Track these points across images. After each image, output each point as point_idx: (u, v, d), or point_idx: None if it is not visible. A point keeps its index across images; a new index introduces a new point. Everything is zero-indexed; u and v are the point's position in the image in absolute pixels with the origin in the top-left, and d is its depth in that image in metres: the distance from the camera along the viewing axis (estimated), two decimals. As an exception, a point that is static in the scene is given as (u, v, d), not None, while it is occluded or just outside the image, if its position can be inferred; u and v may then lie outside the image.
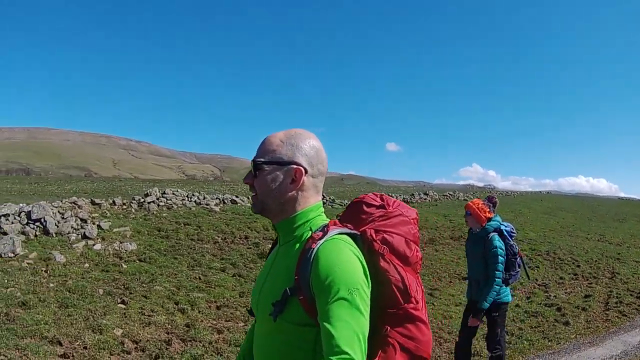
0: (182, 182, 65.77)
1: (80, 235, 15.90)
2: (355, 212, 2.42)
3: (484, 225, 7.20)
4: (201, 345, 9.47)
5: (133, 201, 21.37)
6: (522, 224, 31.30)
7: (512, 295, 7.81)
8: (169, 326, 10.29)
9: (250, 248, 17.84)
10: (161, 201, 22.01)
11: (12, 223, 15.54)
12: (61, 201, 18.65)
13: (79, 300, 11.05)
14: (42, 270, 12.85)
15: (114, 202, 20.62)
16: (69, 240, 15.33)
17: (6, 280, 11.69)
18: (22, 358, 8.09)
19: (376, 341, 2.11)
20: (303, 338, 2.02)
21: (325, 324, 1.86)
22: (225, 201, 25.40)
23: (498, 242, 6.99)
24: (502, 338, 7.36)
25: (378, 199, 2.45)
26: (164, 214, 20.46)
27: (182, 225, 19.12)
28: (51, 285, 11.95)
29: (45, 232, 15.66)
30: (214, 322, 10.93)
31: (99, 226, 16.82)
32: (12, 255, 13.65)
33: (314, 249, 2.01)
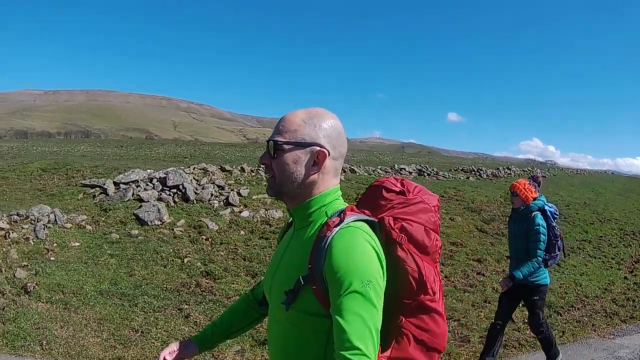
0: (244, 146, 65.56)
1: (222, 202, 15.32)
2: (374, 197, 2.30)
3: (528, 204, 7.04)
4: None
5: (260, 168, 20.75)
6: (605, 204, 30.49)
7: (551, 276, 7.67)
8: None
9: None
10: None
11: (145, 190, 15.07)
12: (188, 167, 18.26)
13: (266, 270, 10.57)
14: (201, 239, 12.27)
15: (242, 168, 20.17)
16: (213, 207, 14.74)
17: (172, 250, 11.16)
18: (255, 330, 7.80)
19: (390, 331, 2.06)
20: (315, 329, 1.94)
21: (337, 317, 1.78)
22: (345, 170, 24.99)
23: (540, 220, 6.85)
24: (544, 320, 7.19)
25: (398, 184, 2.32)
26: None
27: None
28: (222, 253, 11.44)
29: (185, 198, 15.08)
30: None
31: (238, 193, 16.18)
32: (159, 222, 13.12)
33: (328, 236, 1.91)
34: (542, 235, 6.77)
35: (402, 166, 29.77)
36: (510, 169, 43.20)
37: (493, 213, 20.34)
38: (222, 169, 19.13)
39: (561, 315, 10.22)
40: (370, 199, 2.30)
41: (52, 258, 10.24)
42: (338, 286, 1.81)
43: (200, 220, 13.37)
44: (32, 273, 9.17)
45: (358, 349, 1.71)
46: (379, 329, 1.82)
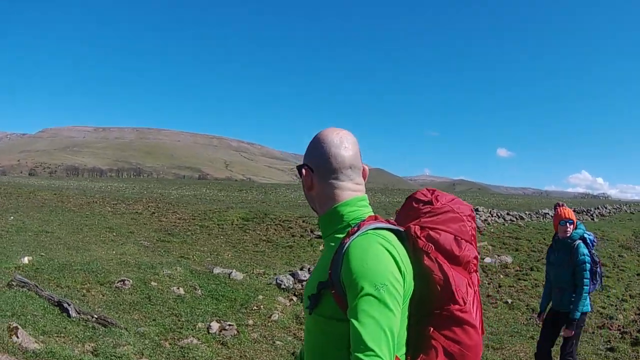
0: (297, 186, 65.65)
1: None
2: (406, 209, 2.39)
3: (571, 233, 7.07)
4: None
5: None
6: None
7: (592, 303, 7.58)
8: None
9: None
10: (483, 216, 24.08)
11: None
12: None
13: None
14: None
15: None
16: None
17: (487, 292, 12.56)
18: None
19: (419, 342, 2.09)
20: (337, 333, 1.97)
21: (352, 320, 1.83)
22: (533, 216, 27.41)
23: (584, 249, 6.89)
24: (575, 348, 7.16)
25: (428, 195, 2.39)
26: (491, 229, 22.08)
27: (522, 239, 20.57)
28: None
29: None
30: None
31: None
32: None
33: (346, 243, 1.98)
34: (587, 265, 6.81)
35: (544, 211, 31.62)
36: (615, 207, 45.98)
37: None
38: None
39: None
40: (403, 211, 2.40)
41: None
42: (353, 290, 1.87)
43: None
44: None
45: (372, 350, 1.75)
46: (396, 331, 1.86)
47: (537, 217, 29.30)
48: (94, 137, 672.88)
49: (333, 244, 2.09)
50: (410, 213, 2.31)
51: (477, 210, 24.65)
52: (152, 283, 11.19)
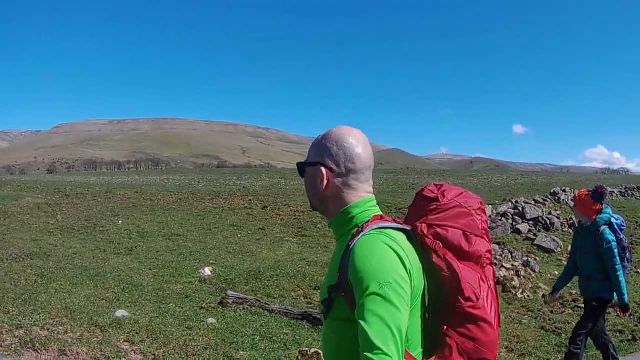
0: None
1: (570, 229, 19.23)
2: (415, 206, 2.37)
3: (594, 218, 6.71)
4: None
5: (550, 196, 24.56)
6: None
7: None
8: None
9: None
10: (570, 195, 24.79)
11: (516, 222, 18.88)
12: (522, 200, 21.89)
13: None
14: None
15: (541, 198, 23.71)
16: (571, 234, 18.20)
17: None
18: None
19: (434, 340, 2.11)
20: (352, 335, 1.91)
21: (359, 320, 1.83)
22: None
23: (610, 235, 6.55)
24: (586, 336, 6.95)
25: (435, 191, 2.35)
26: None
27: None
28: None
29: (546, 228, 18.97)
30: None
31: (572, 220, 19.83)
32: (559, 250, 16.95)
33: (351, 245, 1.98)
34: (615, 251, 6.49)
35: (611, 190, 31.95)
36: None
37: None
38: (536, 201, 22.62)
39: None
40: (413, 209, 2.38)
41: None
42: (359, 289, 1.87)
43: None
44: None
45: (380, 349, 1.74)
46: (403, 329, 1.84)
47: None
48: (110, 129, 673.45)
49: (342, 246, 2.10)
50: (418, 211, 2.30)
51: (564, 190, 25.44)
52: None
